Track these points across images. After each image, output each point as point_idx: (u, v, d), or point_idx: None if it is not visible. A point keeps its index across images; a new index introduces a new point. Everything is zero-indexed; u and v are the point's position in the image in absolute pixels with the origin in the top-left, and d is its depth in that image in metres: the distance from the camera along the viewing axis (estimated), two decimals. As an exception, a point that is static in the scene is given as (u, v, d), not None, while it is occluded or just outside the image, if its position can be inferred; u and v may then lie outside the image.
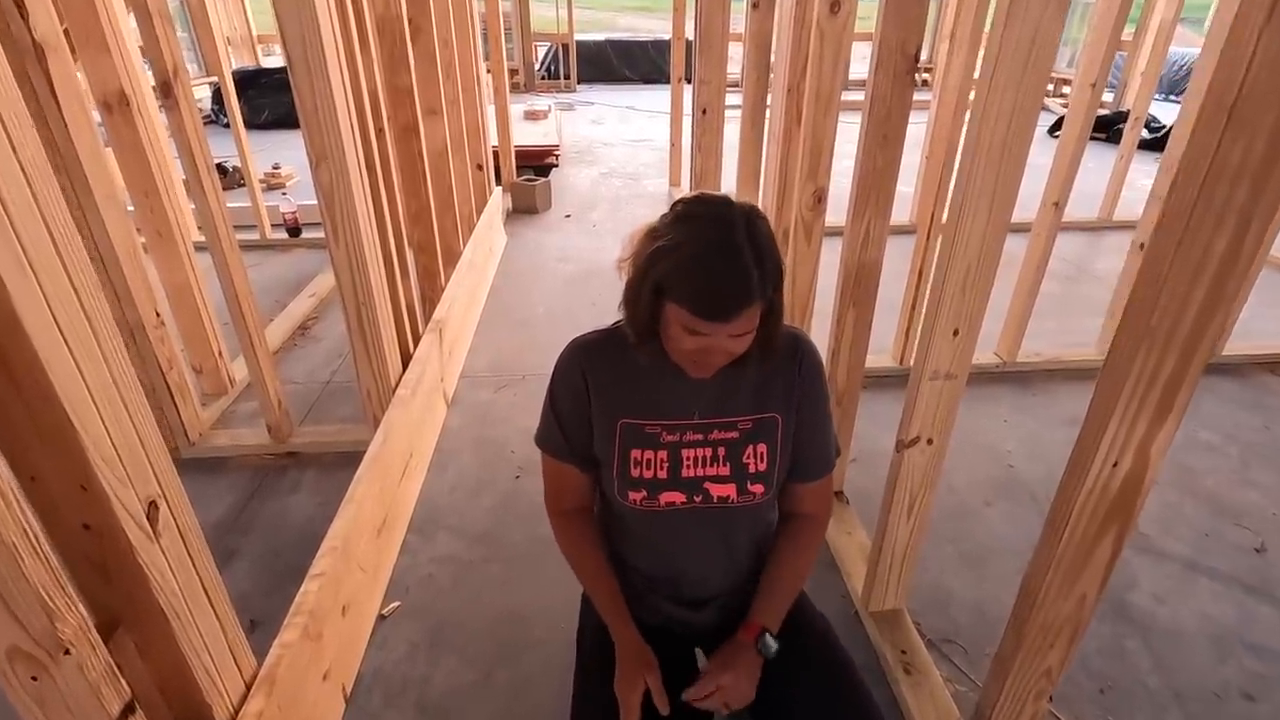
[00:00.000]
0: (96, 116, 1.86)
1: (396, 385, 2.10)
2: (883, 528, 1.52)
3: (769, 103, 2.50)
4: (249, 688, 1.16)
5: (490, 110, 4.81)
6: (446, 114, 3.01)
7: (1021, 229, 2.94)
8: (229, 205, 4.31)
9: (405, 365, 2.24)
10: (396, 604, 1.72)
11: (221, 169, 5.30)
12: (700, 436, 1.03)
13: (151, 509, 0.94)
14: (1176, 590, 1.76)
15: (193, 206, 1.97)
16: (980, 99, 1.09)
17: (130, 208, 2.09)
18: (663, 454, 1.02)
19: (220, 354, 2.51)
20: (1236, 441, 2.34)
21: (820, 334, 1.84)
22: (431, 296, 2.78)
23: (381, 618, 1.69)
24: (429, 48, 2.73)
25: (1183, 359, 0.79)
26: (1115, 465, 0.87)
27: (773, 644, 1.01)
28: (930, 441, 1.40)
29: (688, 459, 1.03)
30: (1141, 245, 2.63)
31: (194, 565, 1.03)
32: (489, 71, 4.96)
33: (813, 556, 1.12)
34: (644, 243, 0.90)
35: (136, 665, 0.99)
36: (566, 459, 1.09)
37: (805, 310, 2.22)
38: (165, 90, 1.79)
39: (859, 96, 1.67)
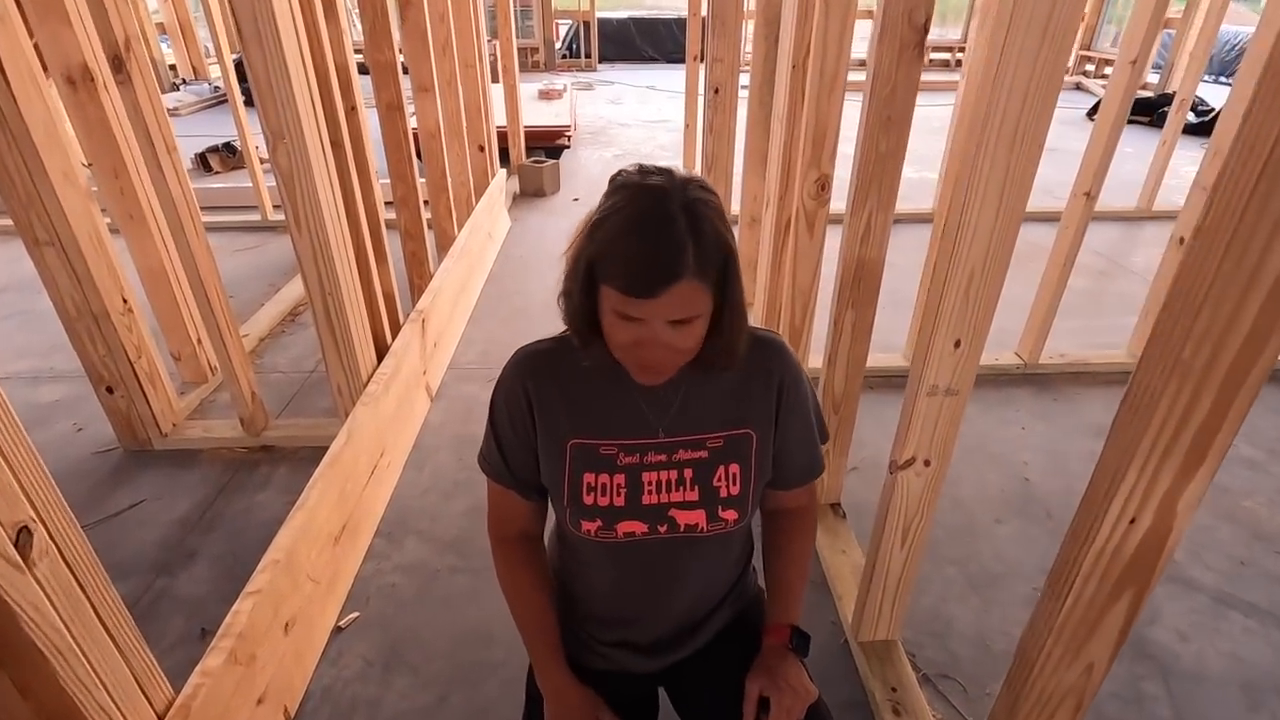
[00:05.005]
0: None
1: (369, 380, 1.99)
2: (874, 554, 1.38)
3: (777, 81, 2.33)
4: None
5: (498, 89, 4.67)
6: (441, 92, 2.88)
7: (1050, 219, 2.75)
8: (232, 186, 4.18)
9: (382, 359, 2.13)
10: (355, 615, 1.62)
11: (230, 148, 5.24)
12: (664, 457, 0.90)
13: (22, 535, 0.84)
14: (1204, 626, 1.60)
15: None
16: (991, 73, 0.93)
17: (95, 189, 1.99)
18: (620, 478, 0.89)
19: (199, 341, 2.43)
20: (1280, 457, 2.15)
21: (823, 335, 1.69)
22: (420, 285, 2.67)
23: (338, 629, 1.59)
24: (419, 23, 2.60)
25: (1222, 399, 0.64)
26: (1133, 522, 0.72)
27: (805, 639, 0.93)
28: (928, 463, 1.25)
29: (649, 483, 0.90)
30: (1181, 239, 2.42)
31: (84, 593, 0.93)
32: (500, 49, 4.82)
33: (811, 545, 1.02)
34: (582, 227, 0.79)
35: (17, 706, 0.89)
36: (507, 484, 0.95)
37: (806, 309, 2.07)
38: (116, 65, 1.67)
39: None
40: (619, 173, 0.78)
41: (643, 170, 0.76)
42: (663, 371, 0.82)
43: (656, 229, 0.72)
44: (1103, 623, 0.79)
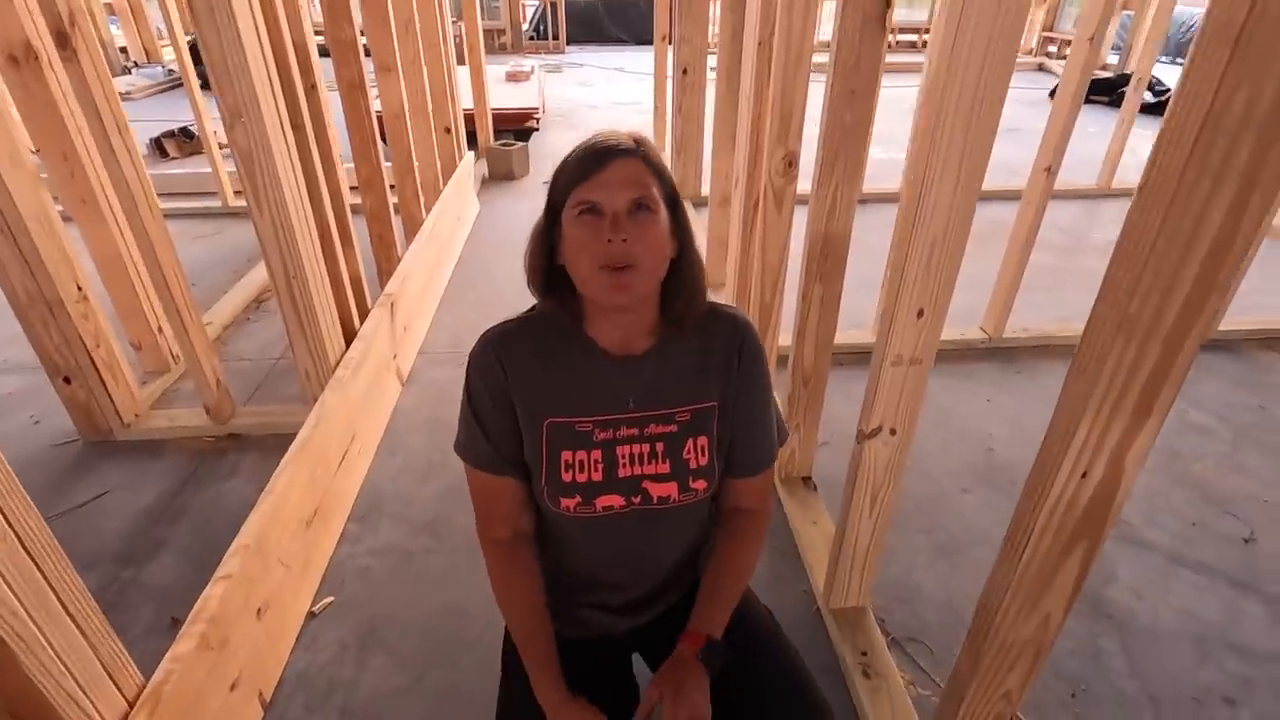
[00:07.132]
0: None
1: (337, 364, 1.96)
2: (843, 523, 1.41)
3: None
4: (132, 707, 1.06)
5: (464, 71, 4.60)
6: (404, 72, 2.83)
7: (1014, 198, 2.80)
8: (190, 172, 4.07)
9: (350, 343, 2.10)
10: (329, 599, 1.61)
11: (187, 133, 5.09)
12: (635, 431, 0.91)
13: (-24, 520, 0.82)
14: (1158, 584, 1.66)
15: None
16: (948, 43, 0.94)
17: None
18: (596, 454, 0.90)
19: (159, 329, 2.37)
20: (1229, 423, 2.23)
21: (793, 312, 1.71)
22: (388, 269, 2.64)
23: (312, 615, 1.58)
24: (380, 0, 2.54)
25: (1166, 353, 0.66)
26: (1084, 476, 0.75)
27: (718, 653, 0.91)
28: (894, 432, 1.28)
29: (623, 456, 0.90)
30: (1138, 214, 2.48)
31: (46, 579, 0.91)
32: (465, 30, 4.74)
33: (755, 555, 1.00)
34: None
35: (-21, 694, 0.88)
36: (496, 468, 0.92)
37: (776, 286, 2.08)
38: (61, 41, 1.61)
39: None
40: None
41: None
42: (631, 283, 0.80)
43: (603, 140, 0.83)
44: (1058, 575, 0.83)
